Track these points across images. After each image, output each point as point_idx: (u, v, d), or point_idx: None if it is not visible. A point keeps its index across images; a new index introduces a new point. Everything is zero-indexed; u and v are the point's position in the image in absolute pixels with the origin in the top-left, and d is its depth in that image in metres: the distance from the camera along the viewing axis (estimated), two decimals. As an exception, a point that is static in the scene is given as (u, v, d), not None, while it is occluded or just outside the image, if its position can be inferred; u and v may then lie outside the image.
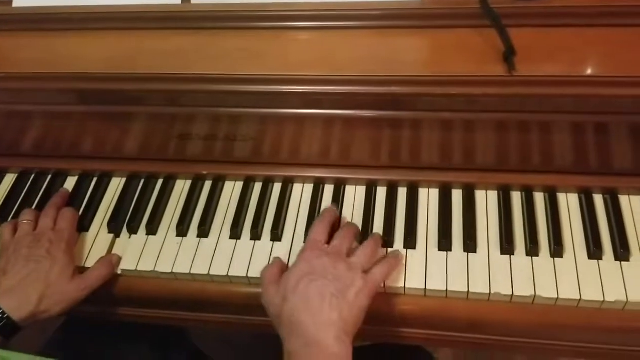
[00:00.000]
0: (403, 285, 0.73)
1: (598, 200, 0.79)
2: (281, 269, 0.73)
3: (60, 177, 0.92)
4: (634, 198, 0.78)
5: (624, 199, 0.78)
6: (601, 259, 0.73)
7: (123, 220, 0.85)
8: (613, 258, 0.73)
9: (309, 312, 0.65)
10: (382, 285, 0.73)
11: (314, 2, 0.79)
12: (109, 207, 0.87)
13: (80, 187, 0.90)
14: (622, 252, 0.73)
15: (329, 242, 0.74)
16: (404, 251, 0.76)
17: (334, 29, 0.78)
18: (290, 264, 0.74)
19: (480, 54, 0.72)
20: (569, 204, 0.79)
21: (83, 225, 0.85)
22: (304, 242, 0.78)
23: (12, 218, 0.87)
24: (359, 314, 0.66)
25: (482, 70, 0.71)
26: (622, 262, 0.72)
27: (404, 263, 0.75)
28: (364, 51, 0.76)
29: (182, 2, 0.81)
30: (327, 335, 0.63)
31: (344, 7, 0.77)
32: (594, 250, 0.73)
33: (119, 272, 0.80)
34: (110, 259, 0.80)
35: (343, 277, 0.67)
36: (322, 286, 0.66)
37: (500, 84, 0.70)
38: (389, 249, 0.77)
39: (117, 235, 0.84)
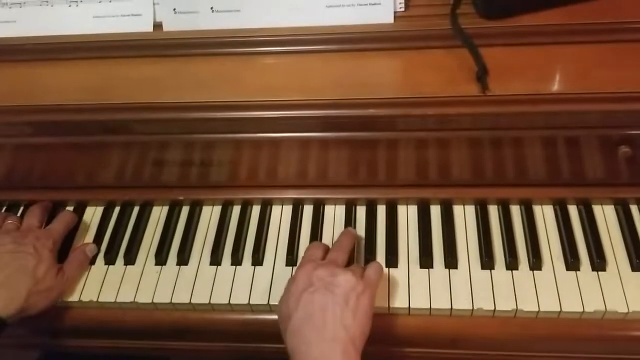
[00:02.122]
0: (387, 305, 0.74)
1: (573, 210, 0.80)
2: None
3: (32, 208, 0.90)
4: (606, 207, 0.80)
5: (597, 209, 0.80)
6: (579, 269, 0.75)
7: (100, 251, 0.83)
8: (590, 268, 0.75)
9: (314, 328, 0.64)
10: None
11: (286, 27, 0.79)
12: (85, 237, 0.85)
13: (53, 217, 0.88)
14: (598, 262, 0.74)
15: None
16: (386, 270, 0.76)
17: (308, 53, 0.79)
18: (274, 287, 0.75)
19: (454, 74, 0.73)
20: (545, 215, 0.81)
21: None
22: (286, 265, 0.78)
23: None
24: (364, 319, 0.66)
25: (456, 90, 0.72)
26: (599, 272, 0.74)
27: (387, 282, 0.75)
28: (339, 74, 0.76)
29: (154, 29, 0.81)
30: (334, 352, 0.62)
31: (317, 31, 0.78)
32: (572, 262, 0.75)
33: (98, 304, 0.78)
34: (84, 249, 0.81)
35: (342, 283, 0.67)
36: (322, 297, 0.66)
37: (474, 104, 0.71)
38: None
39: (94, 266, 0.82)
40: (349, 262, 0.75)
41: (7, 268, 0.73)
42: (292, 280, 0.70)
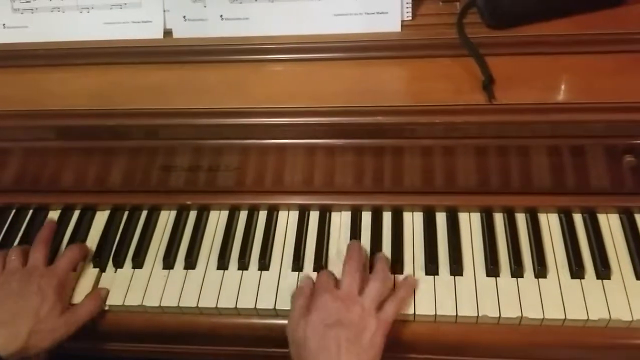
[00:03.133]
0: (392, 312, 0.74)
1: (578, 219, 0.81)
2: (308, 297, 0.73)
3: (41, 211, 0.91)
4: (611, 216, 0.81)
5: (602, 218, 0.81)
6: (583, 278, 0.75)
7: (108, 254, 0.84)
8: (595, 277, 0.75)
9: None
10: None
11: (295, 35, 0.80)
12: (93, 241, 0.86)
13: (62, 221, 0.89)
14: (603, 271, 0.75)
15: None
16: (391, 276, 0.77)
17: (316, 61, 0.79)
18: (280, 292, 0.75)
19: (460, 83, 0.74)
20: (550, 224, 0.81)
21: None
22: (292, 271, 0.79)
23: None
24: (374, 356, 0.67)
25: (463, 98, 0.72)
26: (604, 281, 0.74)
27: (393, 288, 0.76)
28: (346, 82, 0.77)
29: (164, 36, 0.82)
30: None
31: (325, 39, 0.79)
32: (576, 270, 0.75)
33: (106, 307, 0.79)
34: (99, 293, 0.79)
35: (357, 321, 0.68)
36: (337, 333, 0.67)
37: (481, 112, 0.72)
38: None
39: (103, 270, 0.83)
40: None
41: (10, 307, 0.72)
42: (305, 307, 0.70)
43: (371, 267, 0.77)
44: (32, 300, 0.73)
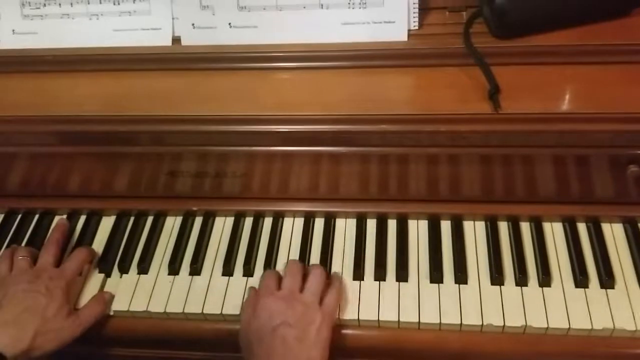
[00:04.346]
0: (397, 319, 0.74)
1: (582, 228, 0.81)
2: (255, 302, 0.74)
3: (47, 216, 0.91)
4: (615, 226, 0.81)
5: (606, 227, 0.81)
6: (587, 287, 0.75)
7: (114, 260, 0.85)
8: (599, 286, 0.76)
9: None
10: (377, 318, 0.74)
11: (302, 43, 0.81)
12: (99, 246, 0.87)
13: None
14: (607, 280, 0.75)
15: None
16: (396, 284, 0.78)
17: (323, 69, 0.80)
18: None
19: (466, 92, 0.75)
20: (554, 232, 0.82)
21: (73, 265, 0.84)
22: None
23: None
24: (323, 349, 0.68)
25: (469, 108, 0.73)
26: (608, 290, 0.75)
27: (397, 296, 0.76)
28: (353, 90, 0.77)
29: (172, 43, 0.82)
30: None
31: (332, 48, 0.79)
32: (581, 279, 0.75)
33: (111, 312, 0.79)
34: (103, 296, 0.80)
35: (301, 317, 0.69)
36: (284, 334, 0.68)
37: (486, 121, 0.72)
38: (381, 282, 0.78)
39: (108, 275, 0.83)
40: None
41: (17, 307, 0.72)
42: (251, 313, 0.72)
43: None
44: (39, 301, 0.73)
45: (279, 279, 0.76)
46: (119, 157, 0.83)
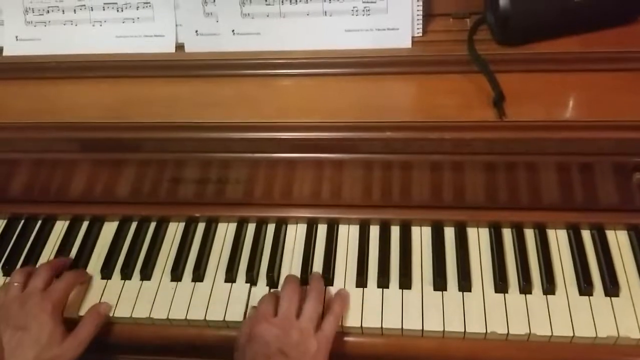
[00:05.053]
0: (400, 327, 0.74)
1: (586, 235, 0.81)
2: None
3: (50, 221, 0.91)
4: (619, 233, 0.81)
5: (610, 234, 0.81)
6: (592, 295, 0.75)
7: (116, 266, 0.84)
8: (603, 294, 0.75)
9: None
10: (380, 325, 0.74)
11: (306, 50, 0.81)
12: (101, 252, 0.86)
13: (71, 231, 0.89)
14: (611, 288, 0.75)
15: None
16: (399, 292, 0.77)
17: (326, 76, 0.80)
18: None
19: (470, 99, 0.75)
20: (559, 240, 0.81)
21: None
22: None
23: (2, 264, 0.87)
24: None
25: (473, 115, 0.73)
26: (612, 298, 0.74)
27: (400, 303, 0.76)
28: (357, 97, 0.77)
29: (176, 50, 0.82)
30: None
31: (336, 54, 0.79)
32: (585, 287, 0.75)
33: (114, 319, 0.79)
34: (97, 311, 0.78)
35: (296, 345, 0.69)
36: None
37: (491, 129, 0.72)
38: (385, 289, 0.78)
39: (111, 281, 0.83)
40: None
41: (9, 344, 0.71)
42: (246, 339, 0.70)
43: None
44: (29, 331, 0.72)
45: (276, 302, 0.74)
46: (122, 163, 0.82)
